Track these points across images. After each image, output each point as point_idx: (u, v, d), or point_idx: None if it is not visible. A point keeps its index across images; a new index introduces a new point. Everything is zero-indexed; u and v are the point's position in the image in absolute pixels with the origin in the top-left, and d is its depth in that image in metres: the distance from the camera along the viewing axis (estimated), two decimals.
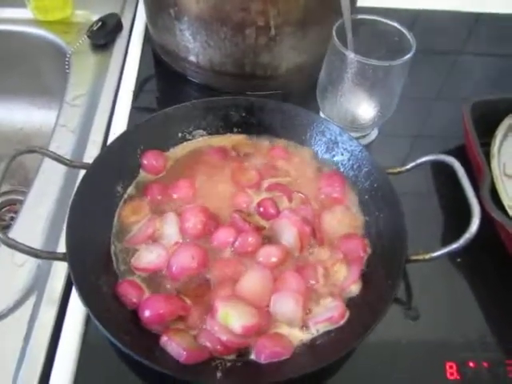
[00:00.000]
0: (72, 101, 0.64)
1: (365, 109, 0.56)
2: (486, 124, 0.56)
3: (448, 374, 0.43)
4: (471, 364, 0.43)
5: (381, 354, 0.44)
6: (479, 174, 0.52)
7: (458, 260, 0.51)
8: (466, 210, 0.43)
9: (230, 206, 0.50)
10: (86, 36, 0.71)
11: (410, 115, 0.65)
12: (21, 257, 0.44)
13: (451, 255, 0.51)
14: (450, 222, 0.54)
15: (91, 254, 0.44)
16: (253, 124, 0.57)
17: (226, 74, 0.64)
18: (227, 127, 0.57)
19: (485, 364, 0.43)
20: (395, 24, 0.53)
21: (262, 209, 0.49)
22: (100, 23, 0.71)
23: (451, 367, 0.43)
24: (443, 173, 0.56)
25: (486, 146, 0.55)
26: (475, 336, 0.45)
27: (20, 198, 0.77)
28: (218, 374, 0.38)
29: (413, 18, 0.81)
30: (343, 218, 0.49)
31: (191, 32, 0.60)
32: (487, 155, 0.53)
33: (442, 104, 0.69)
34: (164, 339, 0.39)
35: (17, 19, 0.74)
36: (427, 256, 0.43)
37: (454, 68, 0.75)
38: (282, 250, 0.45)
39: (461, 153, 0.55)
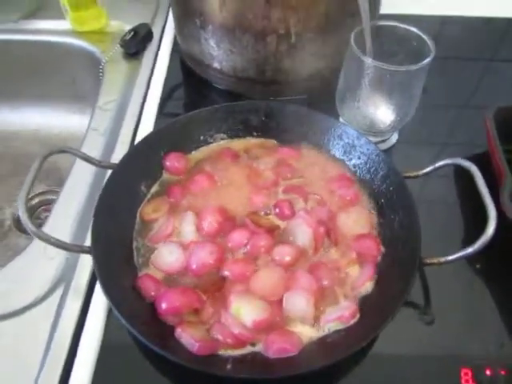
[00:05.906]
0: (103, 106, 0.68)
1: (383, 113, 0.56)
2: (510, 130, 0.55)
3: (463, 381, 0.42)
4: (488, 371, 0.42)
5: (394, 358, 0.44)
6: (500, 179, 0.51)
7: (478, 266, 0.50)
8: (486, 217, 0.42)
9: (246, 206, 0.51)
10: (118, 45, 0.75)
11: (433, 122, 0.64)
12: (52, 250, 0.47)
13: (471, 261, 0.50)
14: (469, 228, 0.53)
15: (114, 247, 0.46)
16: (272, 128, 0.58)
17: (249, 80, 0.66)
18: (247, 131, 0.58)
19: (502, 372, 0.42)
20: (414, 29, 0.53)
21: (277, 210, 0.50)
22: (132, 33, 0.75)
23: (466, 374, 0.42)
24: (465, 179, 0.55)
25: (509, 153, 0.54)
26: (493, 343, 0.44)
27: (54, 197, 0.81)
28: (228, 366, 0.39)
29: (438, 24, 0.80)
30: (358, 219, 0.49)
31: (215, 40, 0.63)
32: (510, 162, 0.52)
33: (465, 111, 0.68)
34: (178, 331, 0.41)
35: (56, 30, 0.79)
36: (442, 259, 0.43)
37: (479, 75, 0.73)
38: (296, 249, 0.46)
39: (484, 160, 0.53)
